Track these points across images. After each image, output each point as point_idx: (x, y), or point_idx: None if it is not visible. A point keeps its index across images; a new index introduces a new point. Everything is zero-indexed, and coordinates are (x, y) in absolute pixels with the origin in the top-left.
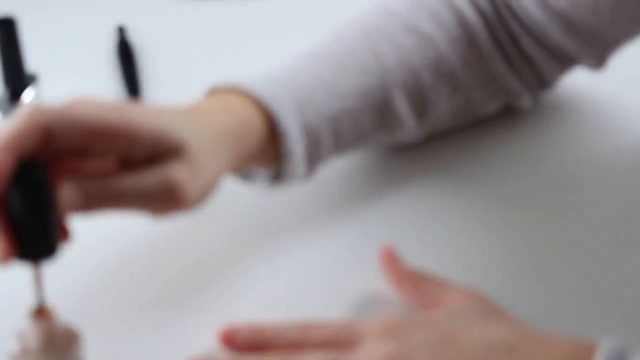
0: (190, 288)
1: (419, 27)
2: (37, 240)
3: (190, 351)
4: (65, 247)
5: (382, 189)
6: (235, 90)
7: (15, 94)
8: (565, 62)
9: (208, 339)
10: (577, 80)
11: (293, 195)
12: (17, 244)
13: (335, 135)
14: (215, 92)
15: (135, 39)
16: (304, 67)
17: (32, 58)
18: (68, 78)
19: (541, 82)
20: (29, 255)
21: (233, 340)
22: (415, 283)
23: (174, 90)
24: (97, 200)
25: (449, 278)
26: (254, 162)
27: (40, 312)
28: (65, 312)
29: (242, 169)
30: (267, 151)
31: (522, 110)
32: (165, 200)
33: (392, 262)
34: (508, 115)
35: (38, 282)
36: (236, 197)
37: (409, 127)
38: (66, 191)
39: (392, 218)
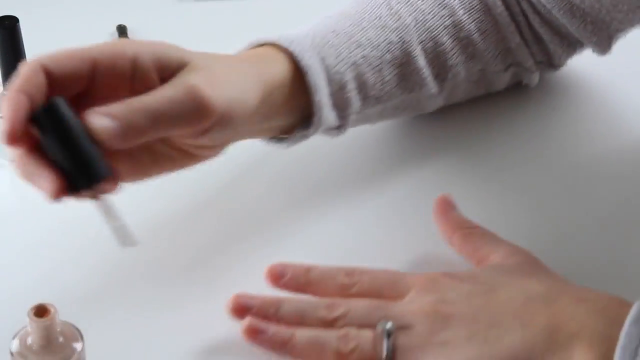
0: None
1: None
2: (83, 167)
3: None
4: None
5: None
6: (250, 43)
7: None
8: (572, 44)
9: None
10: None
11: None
12: (64, 177)
13: (359, 82)
14: None
15: (135, 39)
16: (322, 23)
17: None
18: None
19: (550, 62)
20: (80, 184)
21: (280, 278)
22: (465, 236)
23: None
24: (131, 122)
25: None
26: (283, 111)
27: (42, 311)
28: (65, 309)
29: (273, 118)
30: (294, 98)
31: (530, 86)
32: (192, 108)
33: (446, 211)
34: (517, 94)
35: (108, 212)
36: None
37: (430, 88)
38: (96, 119)
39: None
